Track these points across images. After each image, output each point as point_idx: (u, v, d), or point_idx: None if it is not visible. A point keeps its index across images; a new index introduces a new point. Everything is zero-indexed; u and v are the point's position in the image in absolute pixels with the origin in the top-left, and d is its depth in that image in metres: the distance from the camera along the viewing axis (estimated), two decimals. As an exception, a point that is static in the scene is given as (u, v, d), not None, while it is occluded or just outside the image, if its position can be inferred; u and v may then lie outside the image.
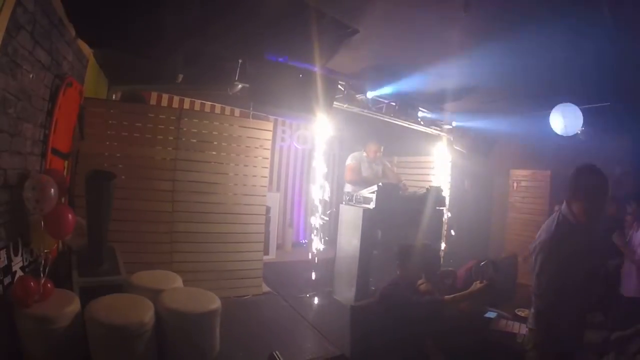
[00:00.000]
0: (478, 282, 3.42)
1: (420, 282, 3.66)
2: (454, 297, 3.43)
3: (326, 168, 6.38)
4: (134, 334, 2.81)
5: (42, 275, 2.69)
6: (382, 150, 6.22)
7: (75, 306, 2.79)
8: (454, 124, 7.02)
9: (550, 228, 2.51)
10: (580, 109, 4.77)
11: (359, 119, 6.28)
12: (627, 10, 2.98)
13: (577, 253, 2.37)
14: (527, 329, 2.79)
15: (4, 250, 2.53)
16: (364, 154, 6.19)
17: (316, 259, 5.85)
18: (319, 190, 6.05)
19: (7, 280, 2.54)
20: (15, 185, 2.68)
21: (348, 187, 6.07)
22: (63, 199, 3.33)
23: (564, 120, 4.78)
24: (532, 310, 2.65)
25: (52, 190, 2.76)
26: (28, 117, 2.81)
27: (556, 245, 2.41)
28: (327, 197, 6.45)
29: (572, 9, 3.05)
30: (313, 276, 5.69)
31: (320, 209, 6.01)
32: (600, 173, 2.40)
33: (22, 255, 2.79)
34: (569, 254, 2.36)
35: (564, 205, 2.50)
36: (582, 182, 2.42)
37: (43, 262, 2.77)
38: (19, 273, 2.71)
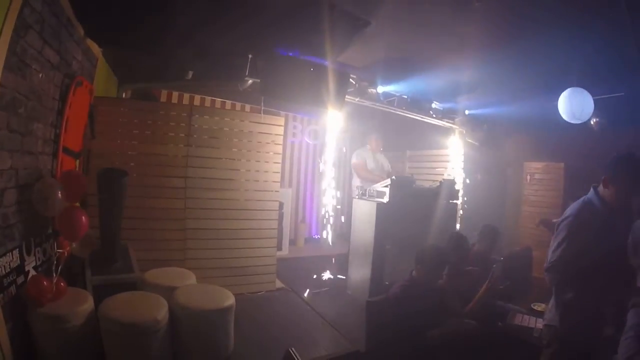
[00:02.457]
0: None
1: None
2: (469, 310, 3.46)
3: (336, 164, 6.39)
4: (148, 331, 2.81)
5: (55, 274, 2.70)
6: (381, 140, 6.51)
7: (88, 304, 2.80)
8: (467, 112, 6.94)
9: (574, 207, 2.53)
10: (594, 99, 4.61)
11: (371, 113, 6.25)
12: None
13: (599, 237, 2.37)
14: (543, 325, 2.76)
15: (17, 249, 2.54)
16: (367, 146, 6.44)
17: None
18: (330, 187, 6.04)
19: (20, 280, 2.55)
20: (27, 184, 2.69)
21: (357, 182, 6.15)
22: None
23: (573, 106, 4.61)
24: (552, 301, 2.64)
25: (59, 193, 2.77)
26: (38, 117, 2.81)
27: (581, 224, 2.42)
28: (337, 193, 6.49)
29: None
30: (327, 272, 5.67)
31: (331, 204, 5.99)
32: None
33: (34, 254, 2.80)
34: (592, 236, 2.37)
35: (590, 192, 2.51)
36: (621, 168, 2.40)
37: (56, 261, 2.78)
38: (32, 272, 2.72)
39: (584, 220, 2.43)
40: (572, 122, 4.71)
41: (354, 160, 6.35)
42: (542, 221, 4.91)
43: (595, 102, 4.66)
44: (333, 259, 5.92)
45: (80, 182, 3.18)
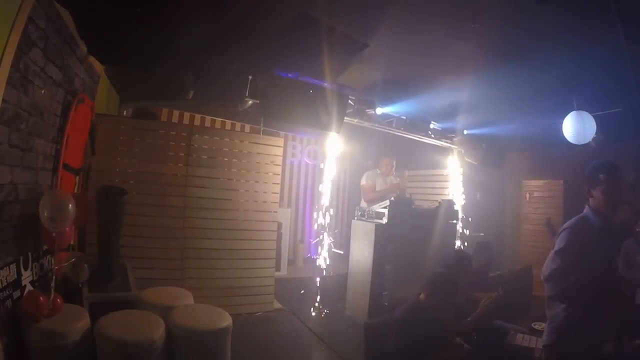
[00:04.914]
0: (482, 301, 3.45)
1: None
2: (465, 325, 3.42)
3: (336, 184, 6.33)
4: (145, 351, 2.76)
5: (51, 290, 2.68)
6: (394, 163, 6.26)
7: (85, 322, 2.76)
8: (465, 132, 7.00)
9: (571, 221, 2.62)
10: (592, 115, 4.70)
11: (370, 133, 6.29)
12: (637, 13, 2.96)
13: (593, 252, 2.42)
14: (542, 346, 2.76)
15: (14, 264, 2.53)
16: (378, 170, 6.26)
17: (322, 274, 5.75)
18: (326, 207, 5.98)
19: (16, 295, 2.53)
20: (27, 200, 2.69)
21: (364, 204, 6.07)
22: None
23: (577, 128, 4.70)
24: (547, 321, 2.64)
25: (70, 206, 2.77)
26: (40, 133, 2.84)
27: (576, 237, 2.49)
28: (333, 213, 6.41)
29: (581, 15, 3.03)
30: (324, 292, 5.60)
31: (327, 224, 5.94)
32: (613, 163, 2.51)
33: (32, 269, 2.79)
34: (586, 250, 2.43)
35: (586, 209, 2.58)
36: (596, 171, 2.52)
37: (54, 276, 2.76)
38: (29, 287, 2.71)
39: (579, 233, 2.50)
40: (575, 143, 4.77)
41: (362, 182, 6.24)
42: (548, 223, 4.95)
43: (593, 117, 4.72)
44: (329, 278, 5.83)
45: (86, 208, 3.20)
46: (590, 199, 2.56)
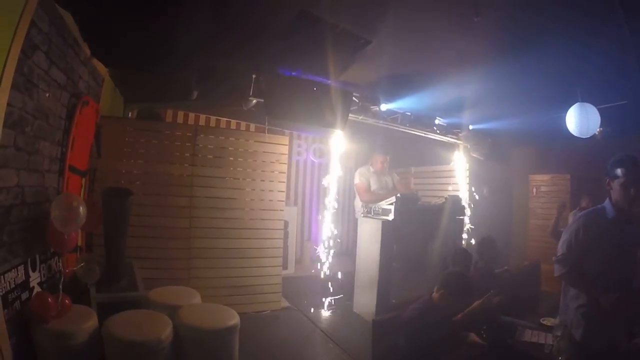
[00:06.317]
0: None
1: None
2: (455, 322, 3.41)
3: (341, 182, 6.28)
4: (152, 350, 2.77)
5: (59, 291, 2.70)
6: (388, 160, 6.17)
7: (93, 322, 2.78)
8: (471, 127, 6.96)
9: (589, 209, 2.81)
10: (598, 108, 4.64)
11: (375, 130, 6.25)
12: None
13: (606, 242, 2.55)
14: (553, 338, 2.79)
15: (22, 266, 2.55)
16: (371, 168, 6.17)
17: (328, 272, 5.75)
18: (331, 204, 5.96)
19: (24, 296, 2.55)
20: (33, 202, 2.72)
21: (359, 202, 6.01)
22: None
23: (580, 121, 4.63)
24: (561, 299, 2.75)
25: (82, 208, 2.80)
26: (45, 136, 2.86)
27: (588, 225, 2.63)
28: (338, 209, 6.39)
29: (585, 7, 3.01)
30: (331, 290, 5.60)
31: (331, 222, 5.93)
32: (633, 157, 2.57)
33: (40, 271, 2.81)
34: (597, 240, 2.57)
35: (606, 200, 2.67)
36: (618, 163, 2.58)
37: (61, 278, 2.78)
38: (37, 289, 2.73)
39: (589, 223, 2.63)
40: (579, 136, 4.73)
41: (356, 181, 6.16)
42: (560, 208, 4.96)
43: (599, 111, 4.67)
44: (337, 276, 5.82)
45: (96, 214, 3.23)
46: (610, 192, 2.63)
